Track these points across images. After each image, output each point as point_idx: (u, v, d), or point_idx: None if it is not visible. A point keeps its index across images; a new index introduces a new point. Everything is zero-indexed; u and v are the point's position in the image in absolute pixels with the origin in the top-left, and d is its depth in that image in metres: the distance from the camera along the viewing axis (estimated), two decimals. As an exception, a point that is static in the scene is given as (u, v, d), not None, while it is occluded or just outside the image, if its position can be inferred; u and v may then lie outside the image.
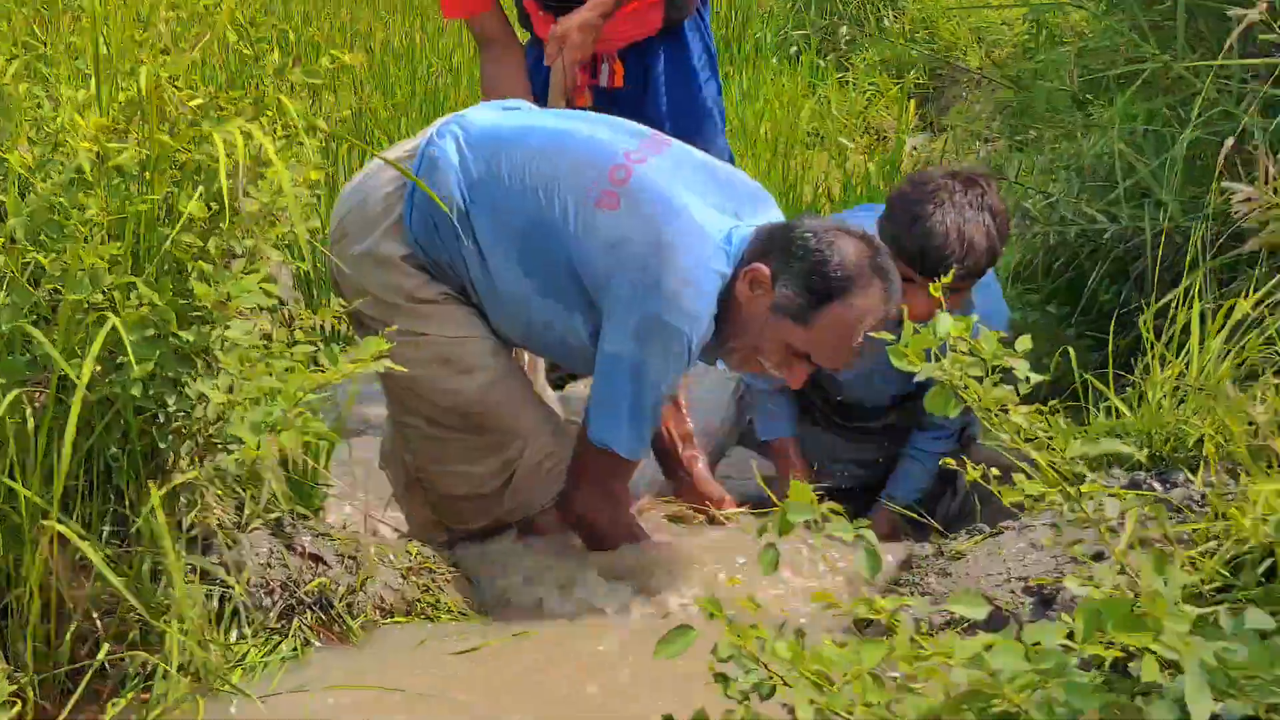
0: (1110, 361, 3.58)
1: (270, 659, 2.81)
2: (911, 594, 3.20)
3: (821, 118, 8.30)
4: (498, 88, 4.49)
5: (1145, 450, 3.36)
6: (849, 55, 9.30)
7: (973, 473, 2.42)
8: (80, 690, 2.59)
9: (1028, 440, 2.36)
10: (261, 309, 2.71)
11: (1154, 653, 1.84)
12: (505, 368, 3.45)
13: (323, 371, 2.59)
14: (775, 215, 3.44)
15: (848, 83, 8.96)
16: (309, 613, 2.96)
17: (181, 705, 2.59)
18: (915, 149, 7.57)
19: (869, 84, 8.89)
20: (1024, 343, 2.33)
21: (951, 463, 2.67)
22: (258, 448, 2.50)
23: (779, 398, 4.15)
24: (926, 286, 2.68)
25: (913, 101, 8.34)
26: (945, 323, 2.31)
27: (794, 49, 9.30)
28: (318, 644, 2.93)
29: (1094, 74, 4.10)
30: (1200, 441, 3.20)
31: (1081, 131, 4.14)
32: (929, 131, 8.42)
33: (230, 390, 2.54)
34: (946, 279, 2.57)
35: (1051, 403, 2.96)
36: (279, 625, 2.91)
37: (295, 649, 2.88)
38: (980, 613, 2.07)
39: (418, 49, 8.42)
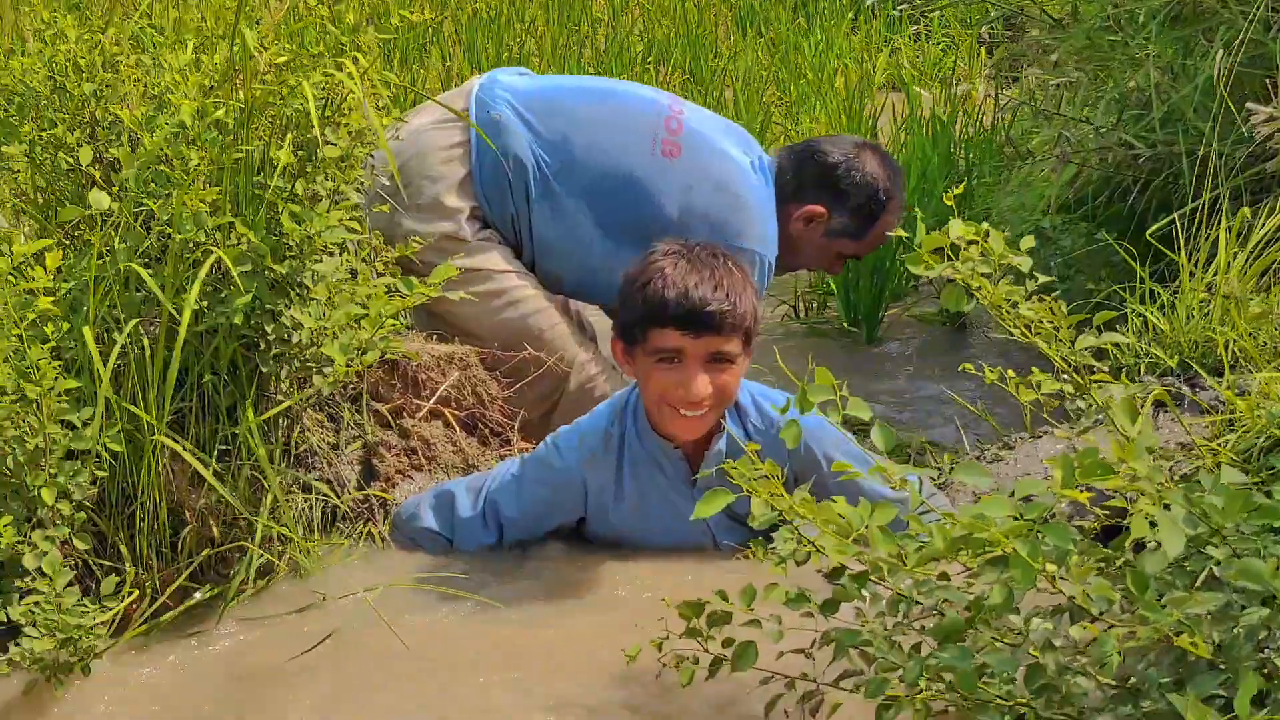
0: (1146, 279, 3.79)
1: (355, 553, 3.19)
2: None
3: (896, 69, 8.50)
4: None
5: (1176, 357, 3.58)
6: (925, 9, 9.45)
7: (990, 374, 2.67)
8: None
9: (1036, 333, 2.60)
10: (348, 247, 3.04)
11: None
12: (547, 301, 3.80)
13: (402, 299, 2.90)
14: (756, 145, 4.08)
15: (922, 35, 9.13)
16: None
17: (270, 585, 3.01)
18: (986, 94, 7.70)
19: (943, 35, 9.05)
20: (1027, 242, 2.57)
21: None
22: (347, 367, 2.81)
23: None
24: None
25: (982, 49, 8.47)
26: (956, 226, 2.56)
27: (870, 3, 9.49)
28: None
29: (1130, 8, 4.29)
30: (1227, 347, 3.41)
31: (1119, 63, 4.33)
32: (1005, 77, 8.54)
33: (321, 318, 2.85)
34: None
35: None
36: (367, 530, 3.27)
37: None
38: (984, 482, 2.32)
39: (503, 17, 8.71)
